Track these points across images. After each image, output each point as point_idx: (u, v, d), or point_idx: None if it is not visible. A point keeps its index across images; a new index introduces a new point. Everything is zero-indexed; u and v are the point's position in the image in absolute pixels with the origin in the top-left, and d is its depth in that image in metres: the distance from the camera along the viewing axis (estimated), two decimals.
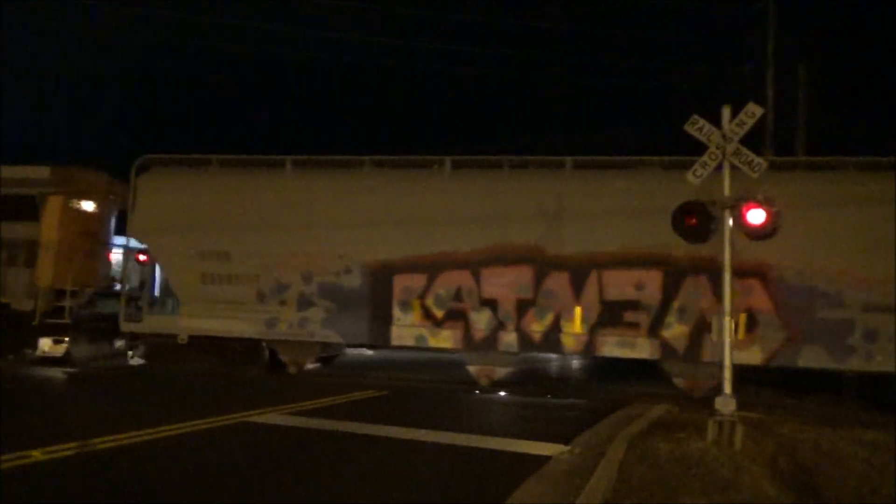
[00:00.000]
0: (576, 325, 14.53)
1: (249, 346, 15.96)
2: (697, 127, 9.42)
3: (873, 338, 13.31)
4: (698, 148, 9.47)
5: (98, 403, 11.76)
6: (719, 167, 9.42)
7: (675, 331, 14.14)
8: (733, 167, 9.31)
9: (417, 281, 15.10)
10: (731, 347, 9.31)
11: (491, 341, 14.91)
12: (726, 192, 9.40)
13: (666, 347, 14.24)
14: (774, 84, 20.50)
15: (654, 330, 14.25)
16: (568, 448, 8.63)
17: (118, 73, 41.85)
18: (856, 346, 13.38)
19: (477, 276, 14.89)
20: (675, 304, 14.15)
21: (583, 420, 11.02)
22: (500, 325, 14.85)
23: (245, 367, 15.91)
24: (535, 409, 13.28)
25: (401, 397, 13.89)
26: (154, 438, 8.46)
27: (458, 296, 14.96)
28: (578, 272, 14.52)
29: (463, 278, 14.93)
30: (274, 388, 14.19)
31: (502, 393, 14.98)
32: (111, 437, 8.20)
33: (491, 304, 14.87)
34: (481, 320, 14.89)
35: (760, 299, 13.81)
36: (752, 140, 10.73)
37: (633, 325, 14.34)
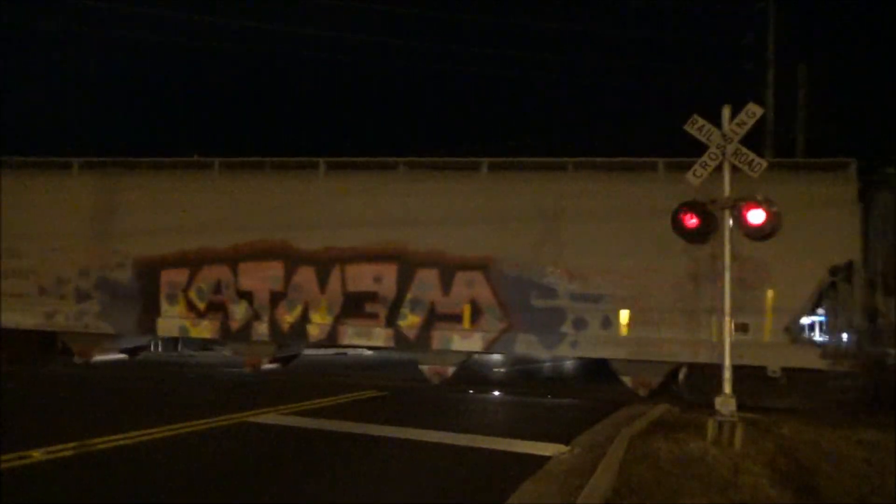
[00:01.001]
0: (321, 315, 15.48)
1: (45, 339, 16.89)
2: (697, 127, 9.43)
3: (582, 326, 14.40)
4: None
5: (100, 403, 11.76)
6: (717, 168, 9.44)
7: (409, 321, 15.12)
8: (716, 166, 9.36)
9: (182, 275, 16.06)
10: (731, 347, 9.32)
11: (247, 331, 15.81)
12: (726, 191, 9.40)
13: (400, 336, 15.19)
14: (774, 84, 20.51)
15: (390, 320, 15.18)
16: (568, 448, 8.63)
17: (118, 73, 41.82)
18: (567, 334, 14.43)
19: (235, 271, 15.86)
20: (409, 296, 15.12)
21: (583, 420, 11.02)
22: (255, 316, 15.76)
23: (37, 358, 16.90)
24: (534, 409, 13.28)
25: (401, 397, 13.90)
26: (154, 439, 8.46)
27: (217, 289, 15.91)
28: (324, 266, 15.48)
29: (222, 273, 15.90)
30: (274, 388, 14.19)
31: (496, 393, 15.01)
32: (111, 438, 8.20)
33: (247, 296, 15.82)
34: (238, 312, 15.81)
35: (483, 291, 14.84)
36: (753, 140, 10.75)
37: (372, 316, 15.27)
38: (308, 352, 18.48)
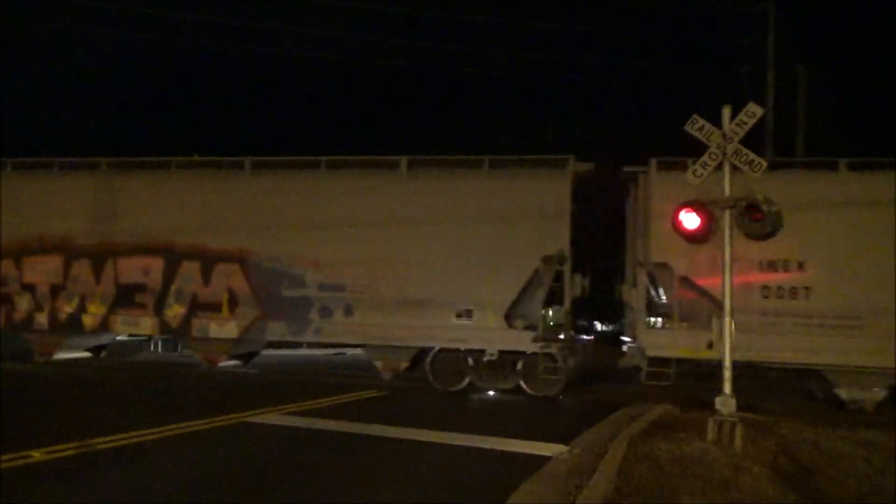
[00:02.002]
0: (96, 306, 16.56)
1: None
2: (698, 127, 9.42)
3: (327, 314, 15.43)
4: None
5: (100, 403, 11.75)
6: (717, 166, 9.44)
7: (173, 311, 16.21)
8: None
9: None
10: (732, 347, 9.30)
11: (29, 321, 16.85)
12: (727, 191, 9.40)
13: (164, 325, 16.29)
14: (774, 85, 20.51)
15: (157, 310, 16.25)
16: (568, 448, 8.63)
17: (117, 72, 41.83)
18: (313, 321, 15.48)
19: (19, 265, 16.89)
20: (174, 287, 16.21)
21: (582, 420, 11.02)
22: (37, 307, 16.79)
23: None
24: (534, 409, 13.28)
25: (400, 397, 13.89)
26: (154, 439, 8.46)
27: (4, 282, 17.00)
28: (99, 260, 16.57)
29: (8, 267, 16.96)
30: (274, 388, 14.19)
31: (491, 392, 15.03)
32: (111, 438, 8.20)
33: (30, 288, 16.87)
34: (23, 302, 16.85)
35: (239, 282, 15.92)
36: (753, 140, 10.75)
37: (141, 306, 16.34)
38: (305, 351, 18.56)
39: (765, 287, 13.92)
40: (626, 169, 15.46)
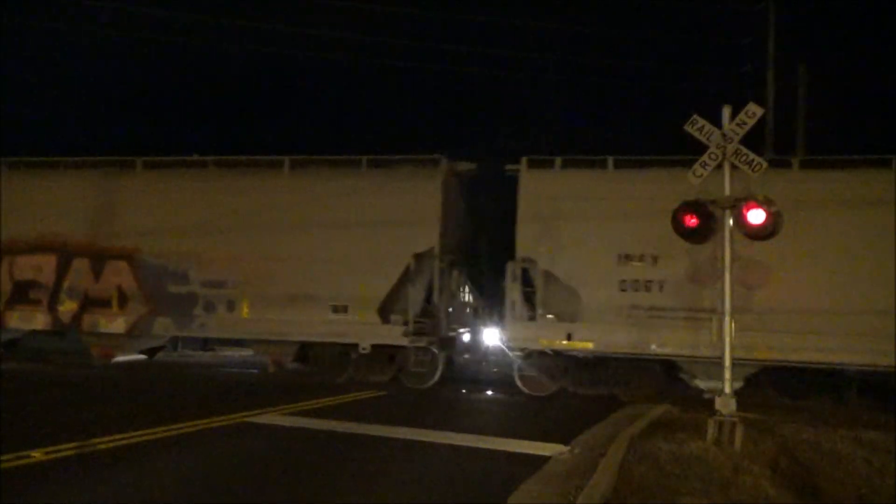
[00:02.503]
0: None
1: None
2: (698, 127, 9.40)
3: (211, 309, 16.00)
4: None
5: (100, 404, 11.75)
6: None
7: (66, 306, 16.59)
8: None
9: None
10: (732, 347, 9.29)
11: None
12: (727, 191, 9.39)
13: (57, 320, 16.64)
14: (774, 84, 20.50)
15: (51, 305, 16.63)
16: (568, 448, 8.63)
17: (117, 72, 41.83)
18: (198, 316, 15.94)
19: None
20: (66, 284, 16.63)
21: (582, 420, 11.02)
22: None
23: None
24: (534, 409, 13.27)
25: (400, 397, 13.89)
26: (155, 439, 8.45)
27: None
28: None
29: None
30: (274, 389, 14.19)
31: (489, 392, 15.05)
32: (112, 438, 8.20)
33: None
34: None
35: (128, 279, 16.38)
36: (752, 140, 10.75)
37: (36, 302, 16.73)
38: None
39: (622, 281, 14.34)
40: (508, 167, 15.73)
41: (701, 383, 14.11)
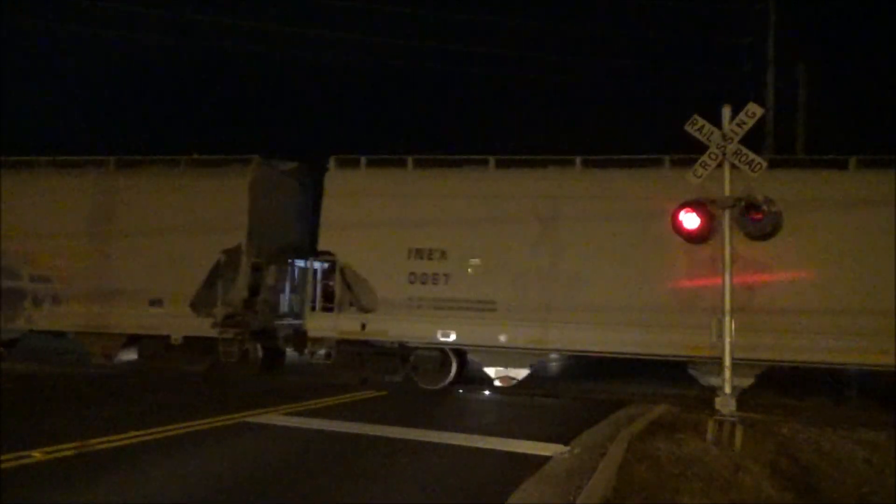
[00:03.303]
0: None
1: None
2: (698, 127, 9.41)
3: (38, 303, 16.71)
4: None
5: (99, 404, 11.75)
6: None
7: None
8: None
9: None
10: (732, 347, 9.30)
11: None
12: (727, 191, 9.39)
13: None
14: (774, 84, 20.48)
15: None
16: (568, 448, 8.63)
17: (117, 72, 41.83)
18: (26, 309, 16.76)
19: None
20: None
21: (582, 420, 11.01)
22: None
23: None
24: (534, 410, 13.27)
25: (400, 397, 13.88)
26: (155, 439, 8.45)
27: None
28: None
29: None
30: (274, 389, 14.18)
31: (487, 392, 15.07)
32: (111, 438, 8.20)
33: None
34: None
35: None
36: (752, 140, 10.76)
37: None
38: None
39: (412, 274, 15.17)
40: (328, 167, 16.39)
41: (492, 372, 15.12)
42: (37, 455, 7.25)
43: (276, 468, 7.47)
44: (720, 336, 9.33)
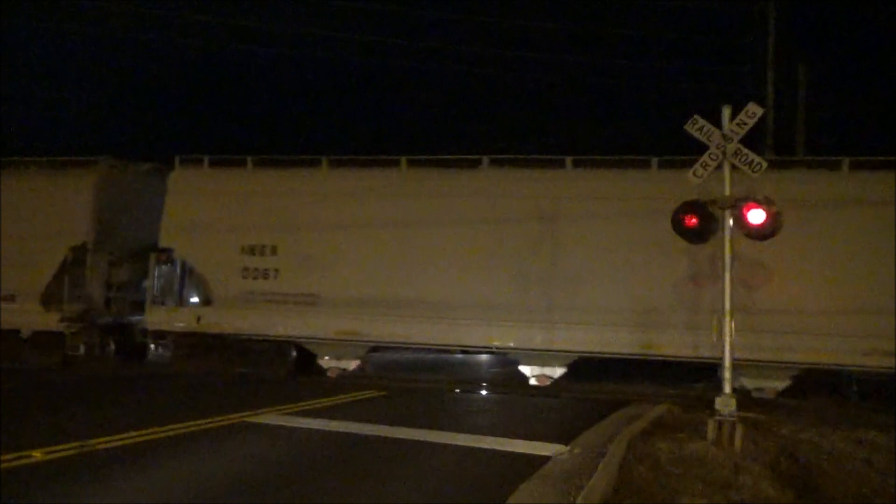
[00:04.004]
0: None
1: None
2: (698, 127, 9.41)
3: None
4: None
5: (99, 404, 11.76)
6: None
7: None
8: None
9: None
10: (732, 347, 9.30)
11: None
12: (727, 191, 9.39)
13: None
14: (774, 84, 20.48)
15: None
16: (568, 448, 8.62)
17: (117, 72, 41.84)
18: None
19: None
20: None
21: (582, 420, 11.00)
22: None
23: None
24: (534, 409, 13.27)
25: (400, 397, 13.88)
26: (155, 439, 8.45)
27: None
28: None
29: None
30: (274, 388, 14.18)
31: (483, 392, 15.09)
32: (112, 438, 8.20)
33: None
34: None
35: None
36: (752, 140, 10.77)
37: None
38: None
39: (244, 269, 15.93)
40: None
41: (324, 363, 15.97)
42: (37, 455, 7.24)
43: (276, 468, 7.47)
44: (720, 336, 9.32)
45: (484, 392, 15.28)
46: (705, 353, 13.27)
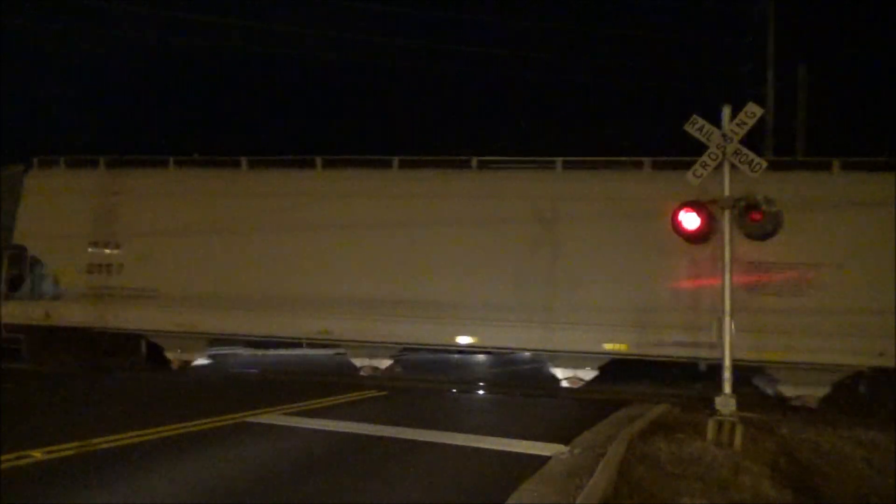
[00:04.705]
0: None
1: None
2: (697, 127, 9.41)
3: None
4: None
5: (99, 404, 11.76)
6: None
7: None
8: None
9: None
10: (732, 347, 9.30)
11: None
12: (726, 191, 9.39)
13: None
14: (774, 84, 20.49)
15: None
16: (568, 448, 8.62)
17: (117, 72, 41.84)
18: None
19: None
20: None
21: (582, 420, 11.01)
22: None
23: None
24: (534, 409, 13.27)
25: (399, 397, 13.88)
26: (155, 439, 8.46)
27: None
28: None
29: None
30: (274, 389, 14.19)
31: (481, 392, 15.10)
32: (112, 438, 8.20)
33: None
34: None
35: None
36: (752, 140, 10.77)
37: None
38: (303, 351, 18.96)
39: (90, 265, 16.83)
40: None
41: (170, 355, 16.71)
42: (37, 455, 7.25)
43: (277, 468, 7.47)
44: (720, 336, 9.32)
45: (479, 392, 15.28)
46: (702, 353, 13.38)
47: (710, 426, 8.77)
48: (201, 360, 17.10)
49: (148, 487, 6.46)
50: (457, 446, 8.79)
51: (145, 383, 14.81)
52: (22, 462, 6.99)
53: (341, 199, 16.16)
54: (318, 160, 16.41)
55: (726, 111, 9.35)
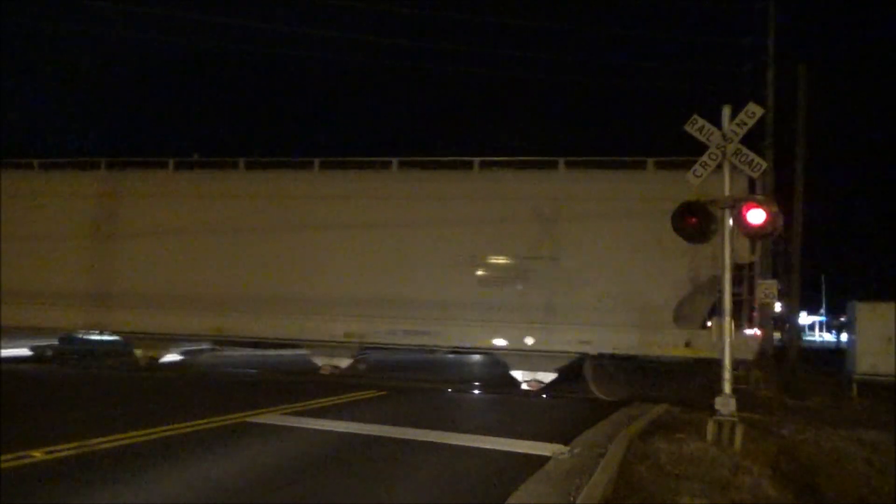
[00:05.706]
0: None
1: None
2: (697, 127, 9.40)
3: None
4: None
5: (99, 403, 11.75)
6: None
7: None
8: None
9: None
10: (731, 347, 9.29)
11: None
12: (726, 191, 9.38)
13: None
14: (774, 84, 20.47)
15: None
16: (568, 448, 8.62)
17: (118, 72, 41.87)
18: None
19: None
20: None
21: (582, 420, 11.01)
22: None
23: None
24: (534, 409, 13.27)
25: (399, 397, 13.88)
26: (155, 439, 8.45)
27: None
28: None
29: None
30: (275, 389, 14.19)
31: (476, 392, 15.13)
32: (112, 438, 8.19)
33: None
34: None
35: None
36: (752, 140, 10.76)
37: None
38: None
39: None
40: None
41: None
42: (37, 455, 7.24)
43: (278, 468, 7.46)
44: (720, 337, 9.30)
45: (475, 392, 15.28)
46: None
47: (710, 426, 8.77)
48: (170, 357, 17.89)
49: (148, 487, 6.45)
50: (457, 446, 8.79)
51: (144, 383, 14.81)
52: (22, 462, 6.97)
53: (340, 200, 16.38)
54: (316, 162, 16.65)
55: (726, 111, 9.34)
